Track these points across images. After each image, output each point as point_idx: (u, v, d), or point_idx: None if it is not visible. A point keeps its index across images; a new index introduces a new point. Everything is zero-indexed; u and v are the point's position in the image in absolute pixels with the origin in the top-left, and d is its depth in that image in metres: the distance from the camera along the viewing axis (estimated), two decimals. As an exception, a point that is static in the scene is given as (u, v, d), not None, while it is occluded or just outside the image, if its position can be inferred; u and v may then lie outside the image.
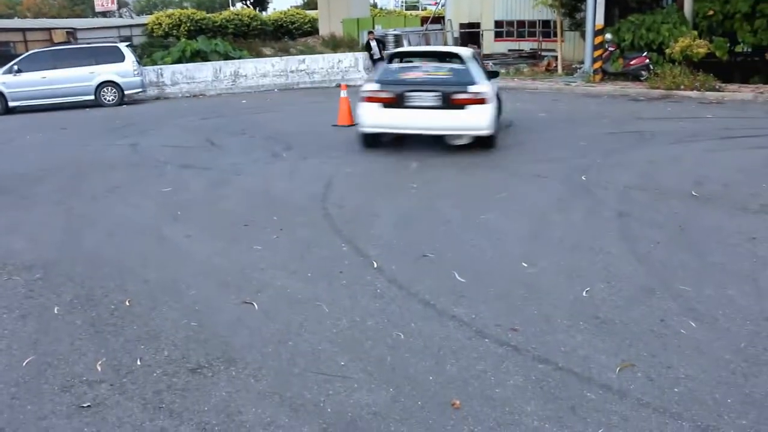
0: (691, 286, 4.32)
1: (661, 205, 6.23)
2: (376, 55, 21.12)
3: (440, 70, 9.30)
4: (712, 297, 4.15)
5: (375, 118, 9.13)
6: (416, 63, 9.89)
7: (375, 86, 9.17)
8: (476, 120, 8.81)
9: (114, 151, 10.52)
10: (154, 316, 4.18)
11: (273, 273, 4.78)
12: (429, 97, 8.84)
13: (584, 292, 4.25)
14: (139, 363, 3.59)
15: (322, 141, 10.60)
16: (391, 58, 10.24)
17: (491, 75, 10.18)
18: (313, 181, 7.73)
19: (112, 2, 55.46)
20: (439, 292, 4.32)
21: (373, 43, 21.24)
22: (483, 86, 8.86)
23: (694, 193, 6.61)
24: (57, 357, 3.71)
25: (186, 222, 6.27)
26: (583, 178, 7.35)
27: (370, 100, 9.11)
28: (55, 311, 4.31)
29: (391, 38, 29.18)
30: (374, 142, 9.63)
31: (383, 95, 9.03)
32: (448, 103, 8.74)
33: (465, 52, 9.90)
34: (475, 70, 9.15)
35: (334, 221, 6.00)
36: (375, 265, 4.81)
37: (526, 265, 4.75)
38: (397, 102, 8.95)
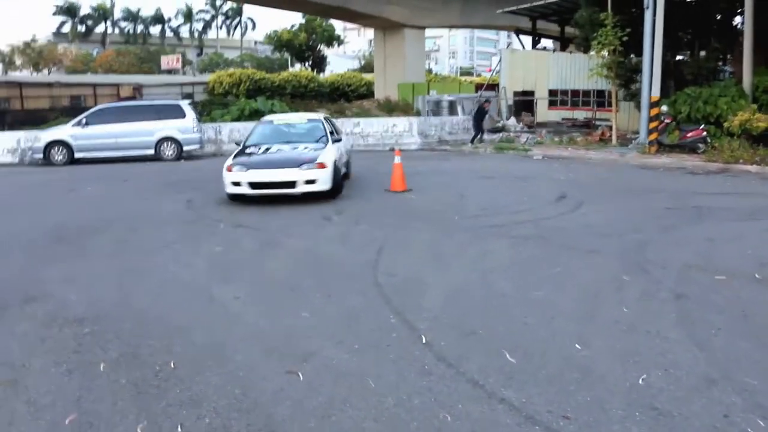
0: (756, 378, 4.06)
1: (722, 288, 5.97)
2: (485, 125, 22.93)
3: None
4: (779, 392, 3.90)
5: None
6: None
7: None
8: None
9: (170, 207, 10.73)
10: (198, 380, 4.13)
11: (319, 342, 4.70)
12: None
13: (640, 380, 4.05)
14: (180, 430, 3.52)
15: (374, 206, 10.63)
16: None
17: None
18: (365, 246, 7.70)
19: (177, 61, 57.88)
20: (489, 372, 4.17)
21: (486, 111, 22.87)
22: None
23: (757, 276, 6.32)
24: (99, 417, 3.68)
25: (235, 283, 6.28)
26: (639, 256, 7.14)
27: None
28: (101, 368, 4.31)
29: (446, 104, 29.52)
30: None
31: None
32: None
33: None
34: None
35: (384, 290, 5.92)
36: (424, 340, 4.69)
37: (579, 347, 4.56)
38: None
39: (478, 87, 37.98)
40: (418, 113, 30.34)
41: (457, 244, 7.88)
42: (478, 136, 22.87)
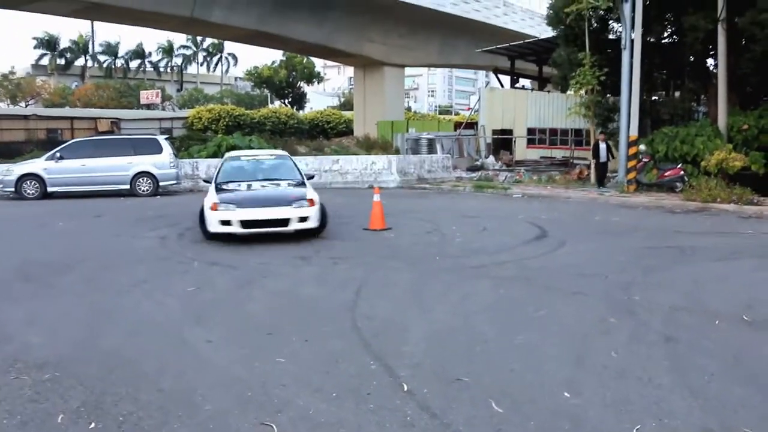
0: (755, 427, 3.87)
1: (711, 330, 5.81)
2: (603, 158, 19.66)
3: None
4: (780, 445, 3.70)
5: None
6: None
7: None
8: None
9: (143, 243, 10.43)
10: (164, 432, 3.84)
11: (296, 390, 4.43)
12: None
13: (634, 430, 3.83)
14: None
15: (352, 245, 10.40)
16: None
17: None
18: (343, 287, 7.46)
19: (157, 96, 57.71)
20: (475, 422, 3.93)
21: (603, 145, 19.77)
22: None
23: (745, 318, 6.17)
24: (53, 477, 3.38)
25: (208, 325, 6.00)
26: (625, 297, 6.97)
27: None
28: (59, 420, 4.00)
29: (425, 142, 29.57)
30: None
31: None
32: None
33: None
34: None
35: (363, 334, 5.67)
36: (405, 388, 4.44)
37: (568, 394, 4.34)
38: None
39: (457, 125, 38.19)
40: (397, 151, 30.39)
41: (437, 285, 7.67)
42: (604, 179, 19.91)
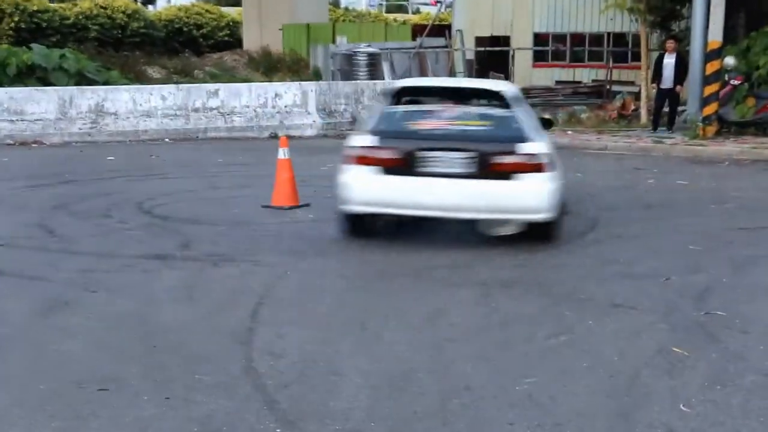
0: None
1: None
2: (667, 84, 19.36)
3: (473, 118, 9.57)
4: None
5: (370, 189, 9.35)
6: (434, 105, 10.14)
7: (370, 140, 9.40)
8: (529, 197, 8.95)
9: None
10: None
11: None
12: (457, 159, 9.08)
13: None
14: None
15: (246, 233, 10.50)
16: (396, 96, 10.50)
17: (545, 125, 10.71)
18: (230, 305, 7.50)
19: None
20: None
21: (669, 61, 19.38)
22: (539, 144, 9.07)
23: None
24: None
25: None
26: (700, 312, 7.13)
27: (363, 161, 9.32)
28: None
29: (363, 59, 29.50)
30: (366, 228, 9.90)
31: (384, 154, 9.26)
32: (486, 169, 8.94)
33: (508, 89, 10.33)
34: (526, 119, 9.37)
35: (264, 383, 5.68)
36: (335, 475, 4.49)
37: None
38: (405, 165, 9.25)
39: (418, 31, 38.24)
40: (317, 75, 30.31)
41: (387, 296, 7.79)
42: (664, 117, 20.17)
